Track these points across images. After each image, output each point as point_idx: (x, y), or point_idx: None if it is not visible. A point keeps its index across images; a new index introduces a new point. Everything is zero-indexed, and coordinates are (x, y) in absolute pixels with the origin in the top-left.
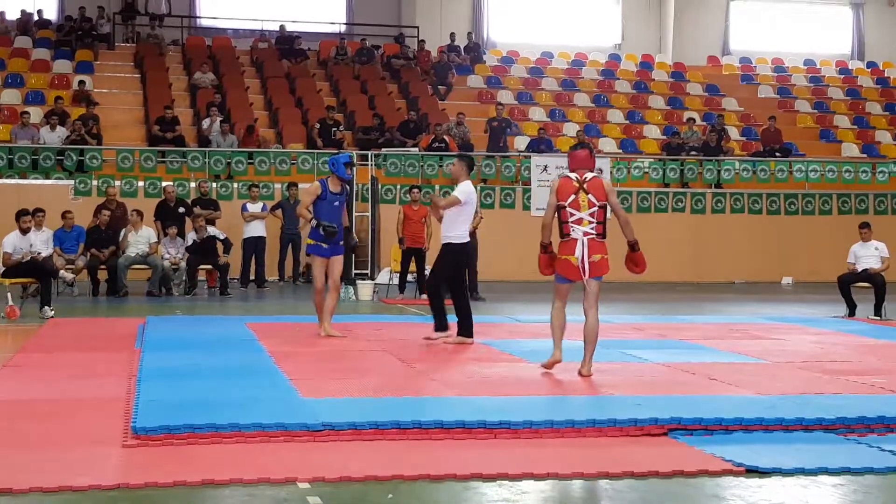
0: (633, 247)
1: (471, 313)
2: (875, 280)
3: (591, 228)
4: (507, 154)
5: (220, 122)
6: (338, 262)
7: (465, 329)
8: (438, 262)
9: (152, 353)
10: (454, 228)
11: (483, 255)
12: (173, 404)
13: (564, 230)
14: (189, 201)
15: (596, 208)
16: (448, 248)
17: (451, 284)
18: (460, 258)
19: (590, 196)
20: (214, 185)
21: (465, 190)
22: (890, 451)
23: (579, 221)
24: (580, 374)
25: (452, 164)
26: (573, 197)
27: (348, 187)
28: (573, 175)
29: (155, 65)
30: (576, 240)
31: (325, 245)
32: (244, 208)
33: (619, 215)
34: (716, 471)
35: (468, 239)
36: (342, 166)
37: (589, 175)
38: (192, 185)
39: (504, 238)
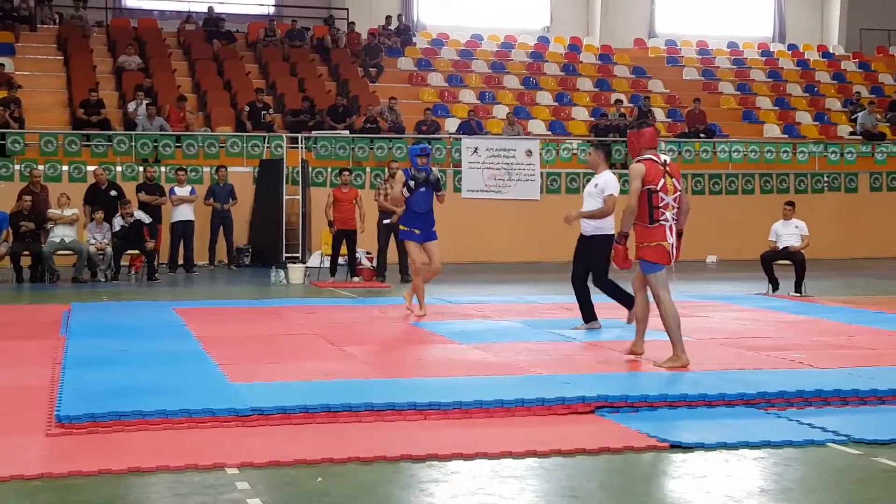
0: (679, 235)
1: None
2: (795, 258)
3: (674, 214)
4: (439, 136)
5: (147, 105)
6: (436, 247)
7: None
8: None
9: (77, 340)
10: (608, 220)
11: None
12: (99, 392)
13: (655, 215)
14: (118, 184)
15: (678, 194)
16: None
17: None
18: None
19: (673, 180)
20: (164, 169)
21: (611, 181)
22: (808, 424)
23: (667, 206)
24: (634, 352)
25: (589, 154)
26: (662, 181)
27: (438, 177)
28: (654, 157)
29: (79, 47)
30: (664, 226)
31: (417, 231)
32: (171, 192)
33: (684, 202)
34: (641, 447)
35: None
36: (414, 157)
37: (665, 158)
38: (119, 169)
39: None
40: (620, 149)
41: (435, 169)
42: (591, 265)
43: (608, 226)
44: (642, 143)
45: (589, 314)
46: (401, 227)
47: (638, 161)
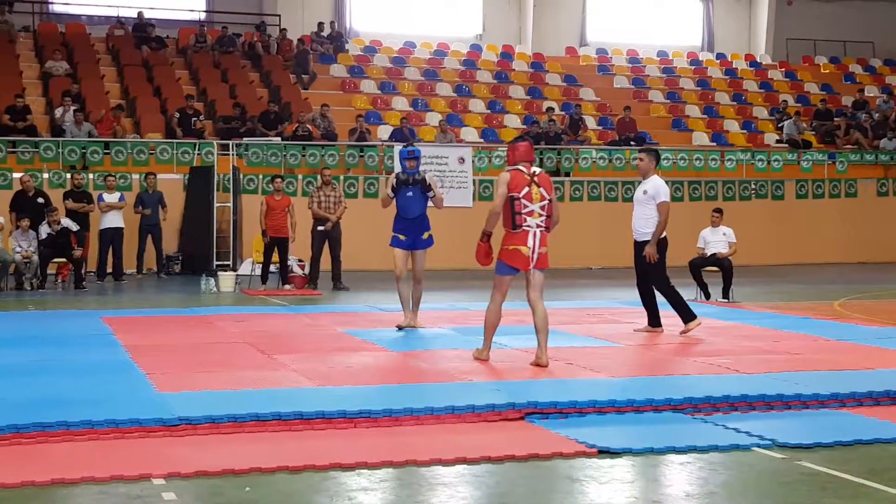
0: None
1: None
2: (722, 264)
3: (542, 221)
4: (371, 143)
5: (75, 111)
6: (420, 255)
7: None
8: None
9: (1, 350)
10: (649, 225)
11: (346, 244)
12: (22, 402)
13: (517, 221)
14: (45, 192)
15: (546, 202)
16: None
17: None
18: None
19: (541, 189)
20: (92, 176)
21: (661, 188)
22: (734, 428)
23: (531, 213)
24: (539, 364)
25: (640, 159)
26: (527, 189)
27: (425, 176)
28: (523, 168)
29: (4, 52)
30: (527, 231)
31: (403, 237)
32: (100, 199)
33: (555, 213)
34: (570, 453)
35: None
36: (402, 161)
37: (536, 169)
38: (46, 176)
39: (367, 228)
40: (552, 156)
41: (427, 172)
42: (646, 270)
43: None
44: (517, 156)
45: (655, 318)
46: (392, 232)
47: (506, 171)
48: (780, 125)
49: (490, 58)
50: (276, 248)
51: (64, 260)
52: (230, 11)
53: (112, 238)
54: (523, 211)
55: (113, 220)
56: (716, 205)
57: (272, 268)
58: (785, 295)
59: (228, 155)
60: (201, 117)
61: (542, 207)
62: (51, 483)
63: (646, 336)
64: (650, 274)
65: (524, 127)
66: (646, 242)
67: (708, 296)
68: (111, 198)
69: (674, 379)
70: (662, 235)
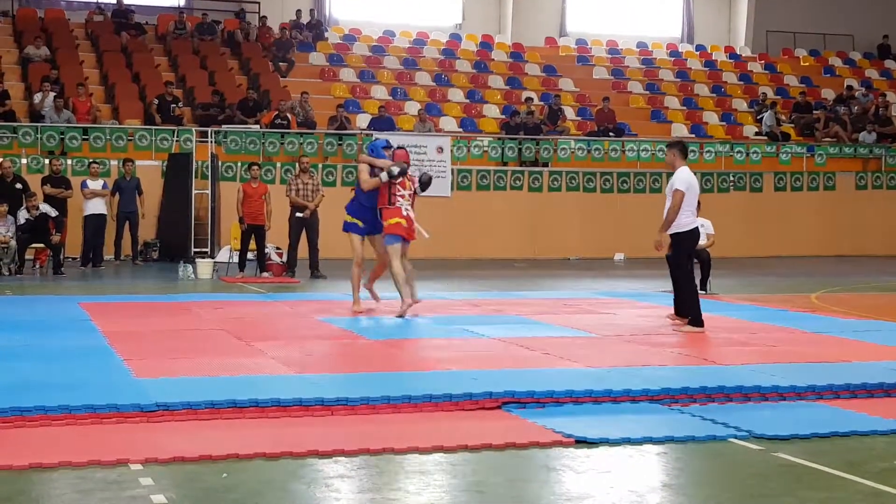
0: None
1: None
2: (700, 256)
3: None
4: (350, 132)
5: (55, 97)
6: (378, 240)
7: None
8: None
9: None
10: (680, 217)
11: (324, 232)
12: (0, 387)
13: (392, 200)
14: (24, 177)
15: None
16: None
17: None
18: (691, 245)
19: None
20: (70, 162)
21: (685, 178)
22: (711, 419)
23: (403, 197)
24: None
25: (666, 154)
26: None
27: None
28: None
29: None
30: (400, 208)
31: (361, 224)
32: (84, 185)
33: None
34: (546, 442)
35: (695, 225)
36: (380, 150)
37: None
38: (24, 161)
39: (344, 215)
40: (531, 146)
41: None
42: (673, 257)
43: (683, 224)
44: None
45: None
46: (347, 217)
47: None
48: (759, 117)
49: (469, 47)
50: (253, 236)
51: (42, 245)
52: None
53: (97, 225)
54: (397, 193)
55: (98, 206)
56: None
57: (250, 255)
58: (762, 287)
59: (207, 142)
60: (180, 104)
61: (410, 194)
62: (28, 467)
63: (620, 327)
64: (672, 262)
65: (503, 117)
66: (676, 234)
67: None
68: (95, 184)
69: (650, 370)
70: (692, 227)
